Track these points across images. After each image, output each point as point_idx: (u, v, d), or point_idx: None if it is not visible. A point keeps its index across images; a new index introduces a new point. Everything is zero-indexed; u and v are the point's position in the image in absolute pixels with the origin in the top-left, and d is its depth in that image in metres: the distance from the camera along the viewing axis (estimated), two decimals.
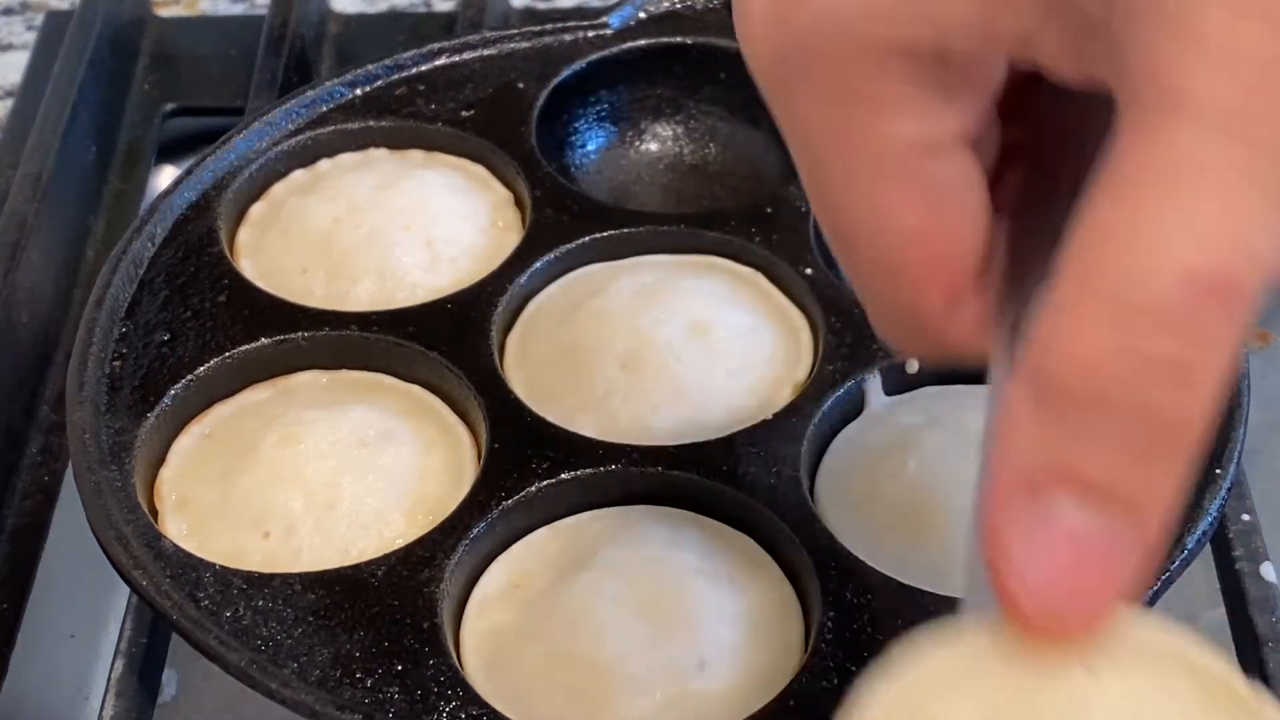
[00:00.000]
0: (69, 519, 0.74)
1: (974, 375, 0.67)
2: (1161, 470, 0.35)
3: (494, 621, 0.60)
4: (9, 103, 0.94)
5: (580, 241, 0.71)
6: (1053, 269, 0.35)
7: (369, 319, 0.69)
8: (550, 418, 0.65)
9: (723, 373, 0.67)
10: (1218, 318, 0.34)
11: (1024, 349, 0.35)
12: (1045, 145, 0.42)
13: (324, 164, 0.76)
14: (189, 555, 0.61)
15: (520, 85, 0.78)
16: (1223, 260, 0.33)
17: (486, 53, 0.79)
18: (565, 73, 0.78)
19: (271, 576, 0.60)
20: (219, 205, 0.73)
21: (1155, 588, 0.59)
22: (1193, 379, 0.34)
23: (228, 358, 0.67)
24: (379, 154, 0.76)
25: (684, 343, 0.67)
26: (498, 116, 0.77)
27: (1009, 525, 0.36)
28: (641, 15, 0.80)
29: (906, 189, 0.38)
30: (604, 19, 0.80)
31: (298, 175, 0.76)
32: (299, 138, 0.76)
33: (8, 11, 1.05)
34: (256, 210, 0.75)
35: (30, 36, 1.01)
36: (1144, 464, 0.35)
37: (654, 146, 0.80)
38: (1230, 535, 0.67)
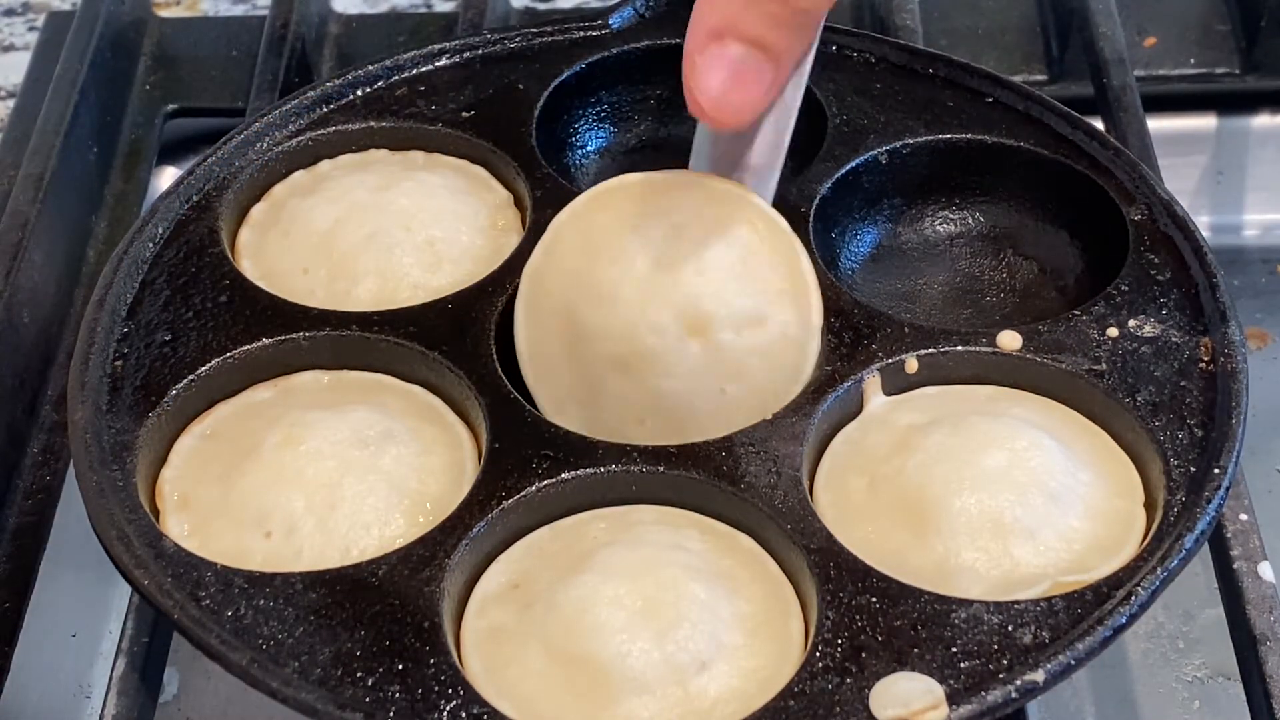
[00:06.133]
0: (70, 518, 0.74)
1: (973, 376, 0.68)
2: (792, 37, 0.61)
3: (494, 621, 0.61)
4: (11, 103, 0.94)
5: None
6: None
7: (370, 319, 0.69)
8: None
9: (717, 390, 0.66)
10: None
11: None
12: None
13: (325, 165, 0.76)
14: (190, 555, 0.61)
15: (520, 86, 0.78)
16: None
17: (487, 53, 0.80)
18: (565, 73, 0.78)
19: (273, 576, 0.60)
20: (220, 206, 0.73)
21: (1155, 586, 0.59)
22: None
23: (229, 358, 0.68)
24: (379, 155, 0.77)
25: (680, 345, 0.65)
26: (498, 117, 0.77)
27: (700, 55, 0.61)
28: (642, 15, 0.80)
29: None
30: (604, 19, 0.80)
31: (299, 176, 0.76)
32: (300, 139, 0.76)
33: (9, 12, 1.05)
34: (258, 211, 0.75)
35: (32, 37, 1.01)
36: (781, 30, 0.61)
37: (654, 147, 0.80)
38: (1228, 535, 0.67)
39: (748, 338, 0.65)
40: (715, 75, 0.61)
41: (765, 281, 0.66)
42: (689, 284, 0.65)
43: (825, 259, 0.71)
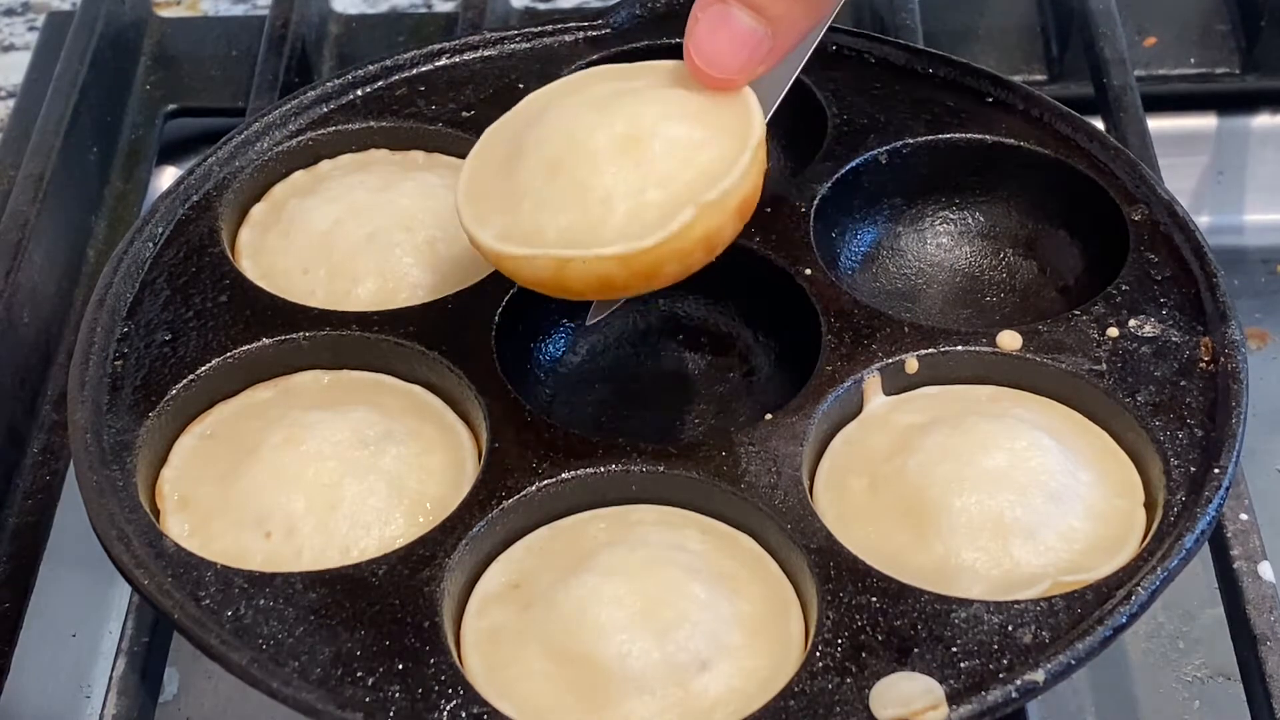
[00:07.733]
0: (70, 518, 0.74)
1: (973, 376, 0.68)
2: (796, 9, 0.62)
3: (494, 621, 0.61)
4: (11, 103, 0.94)
5: None
6: None
7: (370, 319, 0.69)
8: (467, 218, 0.63)
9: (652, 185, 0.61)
10: None
11: None
12: None
13: (325, 165, 0.76)
14: (190, 555, 0.61)
15: (520, 85, 0.78)
16: None
17: (487, 53, 0.80)
18: (565, 73, 0.78)
19: (273, 576, 0.60)
20: (220, 206, 0.73)
21: (1155, 586, 0.59)
22: None
23: (229, 358, 0.68)
24: (380, 155, 0.77)
25: (611, 154, 0.62)
26: (498, 117, 0.77)
27: (702, 13, 0.62)
28: (642, 15, 0.80)
29: None
30: (604, 19, 0.80)
31: (299, 176, 0.76)
32: (300, 138, 0.76)
33: (9, 12, 1.05)
34: (258, 211, 0.75)
35: (32, 37, 1.01)
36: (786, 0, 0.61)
37: None
38: (1228, 535, 0.67)
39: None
40: (713, 35, 0.62)
41: (709, 117, 0.63)
42: (629, 109, 0.63)
43: (825, 259, 0.71)
